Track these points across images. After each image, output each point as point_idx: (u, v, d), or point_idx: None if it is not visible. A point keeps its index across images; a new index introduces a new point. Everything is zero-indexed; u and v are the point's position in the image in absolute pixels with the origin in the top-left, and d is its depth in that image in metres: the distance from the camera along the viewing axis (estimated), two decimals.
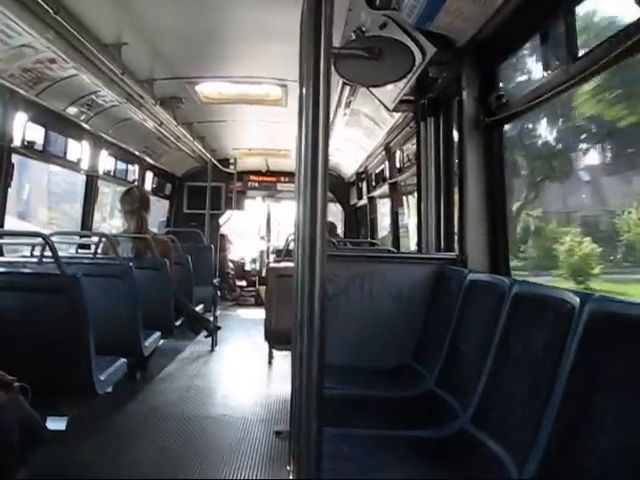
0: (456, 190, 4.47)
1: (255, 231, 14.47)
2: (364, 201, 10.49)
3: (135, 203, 6.20)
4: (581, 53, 2.81)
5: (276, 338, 5.48)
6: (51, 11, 3.76)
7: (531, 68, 3.69)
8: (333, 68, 3.72)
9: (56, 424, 3.55)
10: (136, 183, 9.14)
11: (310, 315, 1.28)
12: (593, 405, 1.86)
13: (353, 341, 4.10)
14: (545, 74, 3.17)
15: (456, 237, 4.46)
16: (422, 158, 5.17)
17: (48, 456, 3.46)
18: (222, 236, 12.58)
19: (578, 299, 2.14)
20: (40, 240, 4.39)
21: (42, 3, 3.65)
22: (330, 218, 11.68)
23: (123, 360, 4.24)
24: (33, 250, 5.60)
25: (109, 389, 3.99)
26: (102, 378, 3.76)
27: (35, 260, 4.69)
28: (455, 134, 4.46)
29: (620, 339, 1.86)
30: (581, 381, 1.98)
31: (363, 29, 3.79)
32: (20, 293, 3.52)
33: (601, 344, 1.94)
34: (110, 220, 13.45)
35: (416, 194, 5.50)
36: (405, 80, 4.02)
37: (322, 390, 1.27)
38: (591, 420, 1.86)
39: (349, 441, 2.69)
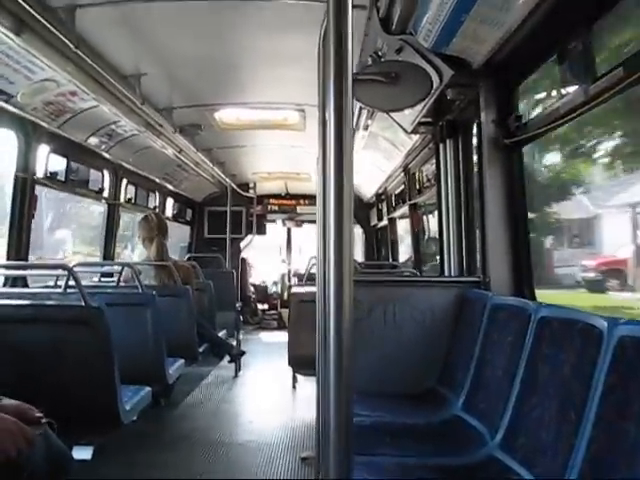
0: (477, 212, 4.45)
1: (276, 254, 14.49)
2: (384, 222, 10.47)
3: (153, 230, 6.22)
4: (599, 73, 2.80)
5: (299, 363, 5.48)
6: (72, 45, 3.82)
7: (550, 89, 3.67)
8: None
9: (82, 454, 3.54)
10: (157, 210, 9.19)
11: (338, 340, 1.27)
12: (626, 433, 1.83)
13: (377, 366, 4.08)
14: (564, 95, 3.16)
15: (478, 259, 4.43)
16: (442, 180, 5.15)
17: None
18: (243, 260, 12.61)
19: (606, 323, 2.12)
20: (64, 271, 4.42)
21: (63, 38, 3.70)
22: None
23: (148, 389, 4.24)
24: (57, 280, 5.65)
25: (134, 418, 3.99)
26: (127, 408, 3.76)
27: (59, 290, 4.73)
28: (474, 156, 4.44)
29: None
30: (613, 407, 1.95)
31: (379, 54, 3.81)
32: (45, 325, 3.53)
33: (632, 369, 1.92)
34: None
35: (437, 216, 5.49)
36: (423, 103, 4.02)
37: (352, 419, 1.26)
38: (624, 448, 1.83)
39: (375, 469, 2.67)
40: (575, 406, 2.17)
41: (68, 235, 12.39)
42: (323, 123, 2.48)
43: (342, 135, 1.27)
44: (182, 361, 5.42)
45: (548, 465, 2.28)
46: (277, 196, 12.91)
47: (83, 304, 3.55)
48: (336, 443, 1.26)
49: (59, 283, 5.54)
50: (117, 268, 6.09)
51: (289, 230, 13.76)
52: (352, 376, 1.27)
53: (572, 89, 3.05)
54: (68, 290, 4.50)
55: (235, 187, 10.61)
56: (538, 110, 3.65)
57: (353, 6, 1.27)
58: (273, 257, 14.74)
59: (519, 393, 2.77)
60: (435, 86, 3.71)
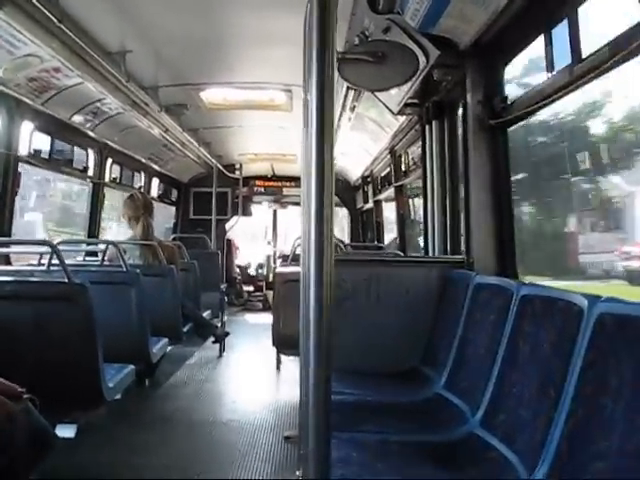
0: (462, 192, 4.46)
1: (261, 236, 14.47)
2: (370, 204, 10.48)
3: (139, 209, 6.18)
4: (585, 54, 2.81)
5: (284, 343, 5.49)
6: (55, 20, 3.77)
7: (535, 69, 3.67)
8: (337, 73, 3.73)
9: (65, 431, 3.55)
10: (142, 190, 9.14)
11: (318, 319, 1.28)
12: (603, 407, 1.85)
13: (361, 345, 4.10)
14: (549, 75, 3.16)
15: (462, 240, 4.45)
16: (427, 161, 5.17)
17: (58, 463, 3.46)
18: (229, 241, 12.60)
19: (586, 301, 2.15)
20: (48, 248, 4.40)
21: (46, 12, 3.65)
22: (336, 222, 11.69)
23: (131, 367, 4.24)
24: (41, 258, 5.62)
25: (118, 396, 3.99)
26: (110, 385, 3.76)
27: (43, 268, 4.71)
28: (460, 137, 4.45)
29: (629, 341, 1.85)
30: (591, 383, 1.98)
31: (366, 33, 3.79)
32: (28, 302, 3.52)
33: (610, 346, 1.94)
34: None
35: (422, 197, 5.50)
36: (409, 84, 4.02)
37: (330, 395, 1.27)
38: (602, 422, 1.85)
39: (358, 446, 2.69)
40: (554, 383, 2.19)
41: (38, 218, 12.22)
42: (306, 103, 2.47)
43: (324, 113, 1.27)
44: (166, 340, 5.42)
45: (527, 441, 2.31)
46: (263, 178, 12.88)
47: (66, 281, 3.54)
48: (315, 420, 1.27)
49: (42, 262, 5.51)
50: (102, 247, 6.05)
51: (275, 212, 13.76)
52: (332, 354, 1.28)
53: (557, 69, 3.06)
54: (52, 268, 4.49)
55: (221, 168, 10.57)
56: (524, 90, 3.65)
57: None
58: (259, 239, 14.73)
59: (500, 371, 2.79)
60: (422, 66, 3.71)
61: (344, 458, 2.53)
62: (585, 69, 2.75)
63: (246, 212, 12.67)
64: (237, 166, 11.61)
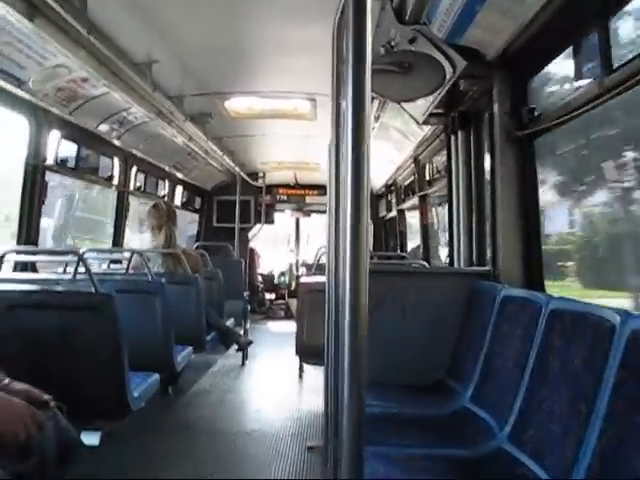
0: (487, 203, 4.43)
1: (282, 241, 14.48)
2: (393, 213, 10.46)
3: (162, 217, 6.22)
4: (616, 65, 2.78)
5: (307, 353, 5.48)
6: (83, 31, 3.81)
7: (564, 81, 3.64)
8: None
9: (90, 439, 3.55)
10: (166, 198, 9.20)
11: (352, 330, 1.27)
12: (636, 425, 1.82)
13: (386, 358, 4.07)
14: (578, 87, 3.13)
15: (488, 251, 4.42)
16: (453, 171, 5.14)
17: (83, 471, 3.47)
18: (251, 250, 12.62)
19: (618, 317, 2.11)
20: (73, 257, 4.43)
21: (75, 24, 3.69)
22: None
23: (156, 376, 4.25)
24: (67, 266, 5.67)
25: (142, 404, 4.00)
26: (135, 394, 3.77)
27: (69, 277, 4.74)
28: (486, 147, 4.42)
29: None
30: (624, 400, 1.95)
31: (392, 44, 3.79)
32: (55, 311, 3.54)
33: None
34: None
35: (447, 207, 5.47)
36: (435, 94, 4.01)
37: (364, 409, 1.26)
38: (634, 441, 1.82)
39: (385, 460, 2.67)
40: (585, 399, 2.16)
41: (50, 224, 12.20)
42: (337, 112, 2.47)
43: (360, 125, 1.26)
44: (190, 349, 5.43)
45: (558, 458, 2.28)
46: (286, 186, 12.89)
47: (93, 290, 3.56)
48: (349, 434, 1.25)
49: (68, 270, 5.55)
50: (126, 255, 6.08)
51: (297, 220, 13.77)
52: (365, 366, 1.26)
53: (587, 81, 3.03)
54: (77, 276, 4.52)
55: (244, 176, 10.61)
56: (552, 102, 3.63)
57: None
58: (281, 247, 14.74)
59: (529, 385, 2.76)
60: (448, 77, 3.70)
61: (371, 472, 2.51)
62: (616, 81, 2.72)
63: (269, 220, 12.70)
64: (260, 174, 11.65)
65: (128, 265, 5.77)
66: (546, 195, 5.10)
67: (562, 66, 3.52)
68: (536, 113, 3.71)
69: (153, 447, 4.52)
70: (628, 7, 2.80)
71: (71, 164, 5.99)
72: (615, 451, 1.91)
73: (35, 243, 5.28)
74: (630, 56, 2.64)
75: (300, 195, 13.03)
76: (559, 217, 6.08)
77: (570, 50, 3.23)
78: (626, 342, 2.01)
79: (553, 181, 5.56)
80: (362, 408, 1.25)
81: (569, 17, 3.08)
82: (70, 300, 3.61)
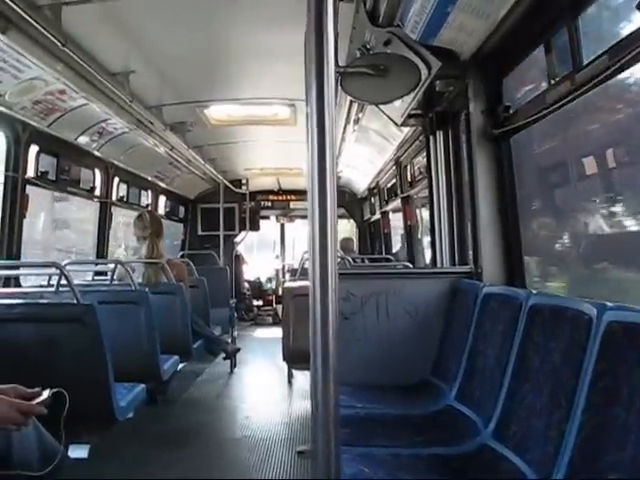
0: (468, 202, 4.46)
1: (269, 246, 14.47)
2: (377, 216, 10.48)
3: (147, 228, 6.20)
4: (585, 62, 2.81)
5: (295, 358, 5.47)
6: (59, 44, 3.82)
7: (537, 78, 3.67)
8: (340, 86, 3.74)
9: (78, 452, 3.54)
10: (149, 207, 9.18)
11: (324, 335, 1.27)
12: (616, 417, 1.84)
13: (371, 359, 4.09)
14: (551, 84, 3.16)
15: (470, 250, 4.44)
16: (433, 171, 5.17)
17: None
18: (237, 256, 12.61)
19: (595, 310, 2.13)
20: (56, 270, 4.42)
21: (50, 36, 3.70)
22: (344, 234, 11.70)
23: (142, 386, 4.23)
24: (50, 279, 5.64)
25: (130, 415, 3.98)
26: (122, 404, 3.75)
27: (52, 289, 4.72)
28: (464, 146, 4.45)
29: (639, 349, 1.84)
30: (602, 393, 1.96)
31: (368, 46, 3.81)
32: (38, 324, 3.52)
33: (620, 354, 1.92)
34: None
35: (428, 208, 5.50)
36: (412, 95, 4.03)
37: (338, 410, 1.26)
38: (615, 432, 1.84)
39: (369, 461, 2.67)
40: (565, 393, 2.18)
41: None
42: (307, 118, 2.48)
43: (324, 128, 1.27)
44: (176, 358, 5.41)
45: (540, 452, 2.29)
46: (270, 192, 12.91)
47: (75, 302, 3.55)
48: (325, 434, 1.26)
49: (52, 282, 5.53)
50: (111, 266, 6.06)
51: (282, 226, 13.77)
52: (336, 366, 1.27)
53: (559, 78, 3.06)
54: (60, 289, 4.50)
55: (227, 184, 10.61)
56: (526, 99, 3.65)
57: None
58: (267, 253, 14.72)
59: (511, 382, 2.78)
60: (424, 78, 3.72)
61: (356, 473, 2.51)
62: (586, 77, 2.75)
63: (254, 227, 12.69)
64: (243, 181, 11.67)
65: (112, 276, 5.75)
66: None
67: (536, 63, 3.55)
68: (511, 111, 3.74)
69: (142, 457, 4.50)
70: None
71: (52, 176, 5.98)
72: (595, 443, 1.93)
73: (17, 257, 5.26)
74: (599, 52, 2.67)
75: (284, 201, 13.04)
76: None
77: (542, 48, 3.26)
78: (602, 335, 2.02)
79: None
80: (336, 410, 1.26)
81: (540, 16, 3.12)
82: (52, 312, 3.60)
